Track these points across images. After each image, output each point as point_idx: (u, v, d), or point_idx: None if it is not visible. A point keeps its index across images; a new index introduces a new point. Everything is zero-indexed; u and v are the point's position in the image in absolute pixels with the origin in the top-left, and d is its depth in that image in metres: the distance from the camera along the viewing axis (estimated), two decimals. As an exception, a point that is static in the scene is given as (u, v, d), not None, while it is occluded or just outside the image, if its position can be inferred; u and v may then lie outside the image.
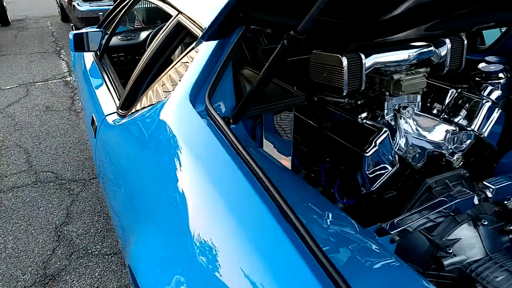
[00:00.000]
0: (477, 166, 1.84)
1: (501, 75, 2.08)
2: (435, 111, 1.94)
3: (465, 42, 1.80)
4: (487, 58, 2.20)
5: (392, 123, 1.72)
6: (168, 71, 1.48)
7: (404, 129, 1.71)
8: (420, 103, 1.79)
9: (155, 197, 1.14)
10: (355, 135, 1.62)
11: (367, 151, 1.53)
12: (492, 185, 1.54)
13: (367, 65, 1.64)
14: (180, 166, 1.08)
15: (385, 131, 1.56)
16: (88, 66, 2.72)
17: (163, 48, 1.74)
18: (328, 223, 1.15)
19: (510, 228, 1.62)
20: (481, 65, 2.12)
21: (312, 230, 0.85)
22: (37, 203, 3.09)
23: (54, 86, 5.78)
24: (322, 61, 1.68)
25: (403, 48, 1.71)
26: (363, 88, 1.65)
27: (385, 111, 1.73)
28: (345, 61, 1.57)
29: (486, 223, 1.55)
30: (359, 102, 1.81)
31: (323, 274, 0.74)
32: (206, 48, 1.31)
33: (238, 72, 1.60)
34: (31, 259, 2.54)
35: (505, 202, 1.64)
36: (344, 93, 1.63)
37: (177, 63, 1.45)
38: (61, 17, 10.52)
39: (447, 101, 1.87)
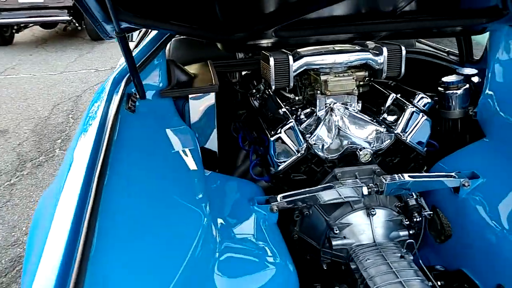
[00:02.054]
0: (403, 166, 1.97)
1: (460, 85, 2.16)
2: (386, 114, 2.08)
3: (404, 52, 1.95)
4: (459, 70, 2.27)
5: (322, 118, 1.94)
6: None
7: (334, 125, 1.91)
8: (355, 103, 1.97)
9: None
10: (276, 123, 1.89)
11: (272, 136, 1.80)
12: (388, 180, 1.70)
13: (296, 66, 1.89)
14: (84, 129, 1.46)
15: (291, 122, 1.81)
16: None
17: None
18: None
19: (407, 222, 1.77)
20: (447, 77, 2.21)
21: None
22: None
23: (138, 71, 6.68)
24: (263, 60, 1.97)
25: (334, 52, 1.93)
26: (291, 85, 1.91)
27: (317, 107, 1.97)
28: (272, 61, 1.85)
29: (374, 213, 1.72)
30: (297, 98, 2.06)
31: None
32: (143, 44, 1.73)
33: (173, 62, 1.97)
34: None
35: (408, 199, 1.79)
36: (273, 88, 1.91)
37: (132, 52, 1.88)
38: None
39: (386, 104, 2.02)
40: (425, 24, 1.85)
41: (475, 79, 2.23)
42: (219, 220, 1.46)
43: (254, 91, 2.28)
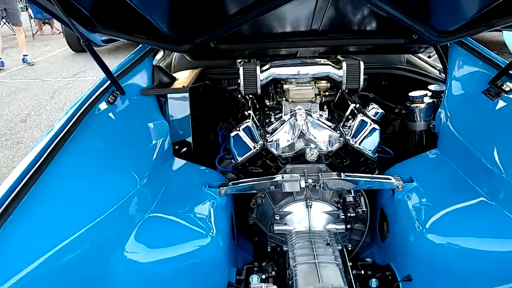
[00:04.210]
0: (355, 169, 2.18)
1: (425, 100, 2.33)
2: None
3: (362, 66, 2.16)
4: (430, 87, 2.43)
5: (286, 121, 2.21)
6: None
7: (297, 128, 2.17)
8: (317, 110, 2.23)
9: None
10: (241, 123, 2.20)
11: (232, 132, 2.11)
12: (324, 176, 1.93)
13: (263, 76, 2.17)
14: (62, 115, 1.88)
15: (248, 121, 2.10)
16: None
17: None
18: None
19: (343, 217, 1.98)
20: (413, 92, 2.39)
21: None
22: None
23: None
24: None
25: (299, 65, 2.20)
26: (259, 92, 2.19)
27: (283, 112, 2.25)
28: (241, 69, 2.16)
29: (310, 204, 1.96)
30: (269, 104, 2.36)
31: None
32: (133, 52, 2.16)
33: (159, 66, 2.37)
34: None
35: (346, 195, 2.00)
36: (243, 94, 2.22)
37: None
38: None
39: (346, 113, 2.25)
40: (344, 42, 2.09)
41: (445, 95, 2.37)
42: (167, 195, 1.81)
43: (239, 96, 2.61)
